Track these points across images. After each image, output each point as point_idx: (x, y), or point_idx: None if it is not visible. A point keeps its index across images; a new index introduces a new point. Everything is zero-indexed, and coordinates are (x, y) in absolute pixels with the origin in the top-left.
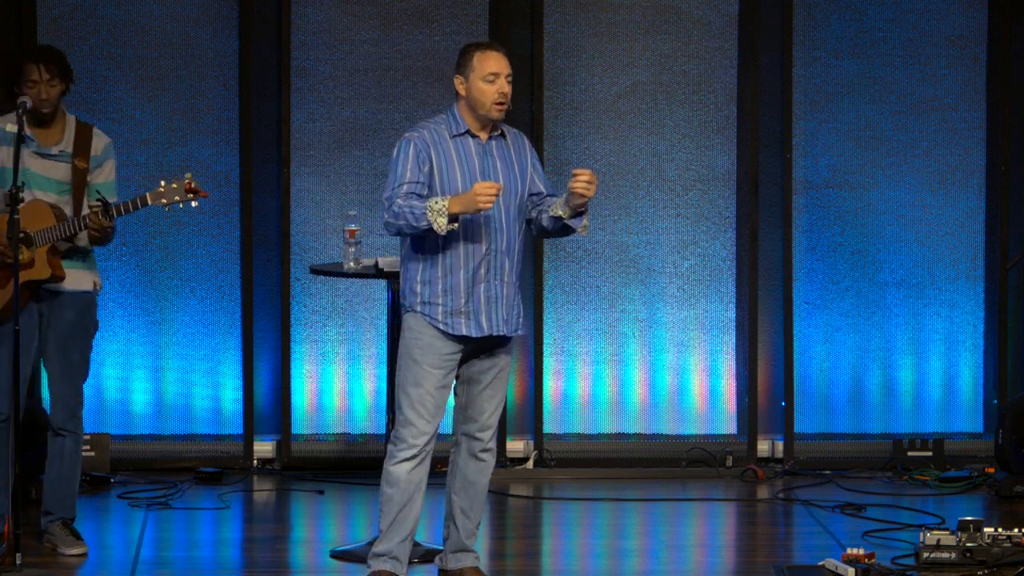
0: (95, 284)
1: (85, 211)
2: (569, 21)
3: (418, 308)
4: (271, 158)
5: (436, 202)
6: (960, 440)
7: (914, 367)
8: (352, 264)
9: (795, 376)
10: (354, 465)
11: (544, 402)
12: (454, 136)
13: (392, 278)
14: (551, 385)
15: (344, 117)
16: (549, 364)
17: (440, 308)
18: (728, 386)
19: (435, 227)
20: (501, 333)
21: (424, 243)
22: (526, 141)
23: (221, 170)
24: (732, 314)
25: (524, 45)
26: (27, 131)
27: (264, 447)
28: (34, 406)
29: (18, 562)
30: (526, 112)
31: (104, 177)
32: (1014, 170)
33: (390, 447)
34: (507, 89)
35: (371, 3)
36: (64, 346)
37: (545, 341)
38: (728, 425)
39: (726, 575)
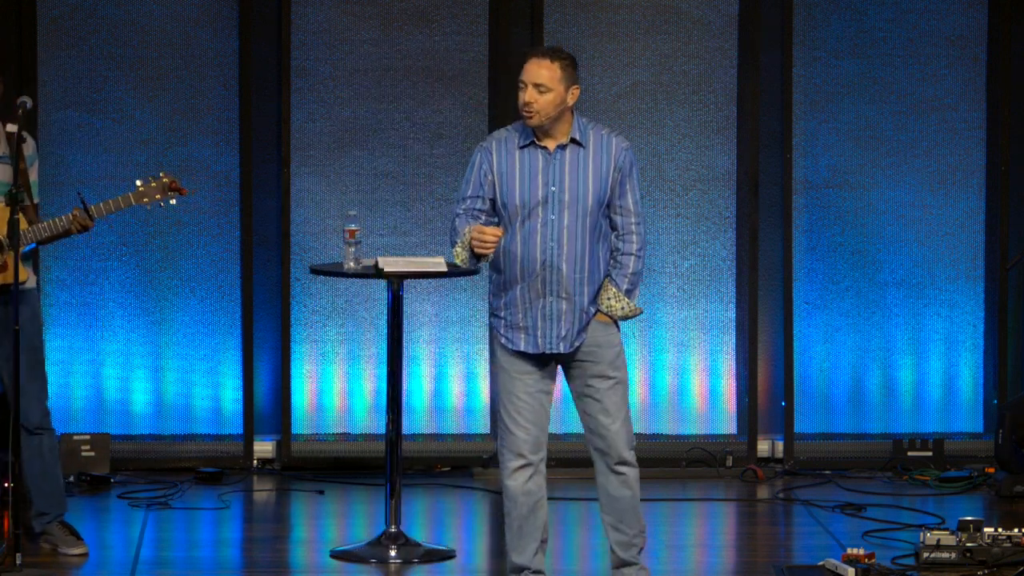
0: (37, 282)
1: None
2: (569, 21)
3: (491, 319)
4: (271, 158)
5: (466, 232)
6: (960, 440)
7: (914, 367)
8: (352, 264)
9: (795, 376)
10: (354, 465)
11: None
12: (521, 147)
13: (392, 278)
14: None
15: (344, 117)
16: None
17: (503, 321)
18: (728, 386)
19: (457, 260)
20: (557, 351)
21: (497, 255)
22: (615, 145)
23: (221, 170)
24: (732, 314)
25: (524, 45)
26: None
27: (264, 447)
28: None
29: (18, 562)
30: None
31: (32, 177)
32: (1014, 170)
33: (500, 460)
34: (528, 98)
35: (371, 3)
36: (30, 345)
37: None
38: (728, 425)
39: (726, 575)
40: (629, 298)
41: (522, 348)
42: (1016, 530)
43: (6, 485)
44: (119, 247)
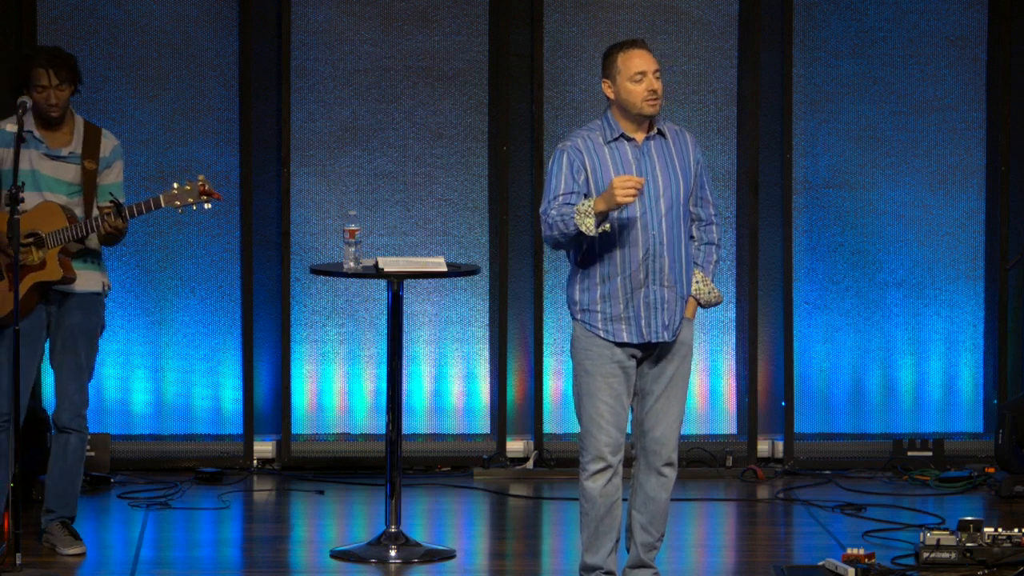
0: (104, 285)
1: (95, 212)
2: (569, 21)
3: (579, 316)
4: (271, 158)
5: (582, 204)
6: (960, 440)
7: (914, 367)
8: (352, 264)
9: (795, 376)
10: (354, 465)
11: (544, 402)
12: (609, 142)
13: (392, 278)
14: (551, 385)
15: (344, 117)
16: (549, 364)
17: (599, 315)
18: (728, 386)
19: (583, 229)
20: (661, 339)
21: (583, 250)
22: (689, 138)
23: (221, 170)
24: (732, 314)
25: (524, 45)
26: (36, 133)
27: (264, 447)
28: (35, 406)
29: (18, 562)
30: (526, 112)
31: (113, 178)
32: (1014, 170)
33: (580, 461)
34: (656, 85)
35: (371, 3)
36: (74, 346)
37: (545, 341)
38: (728, 425)
39: (726, 575)
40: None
41: (625, 339)
42: (1016, 530)
43: (10, 485)
44: (119, 247)
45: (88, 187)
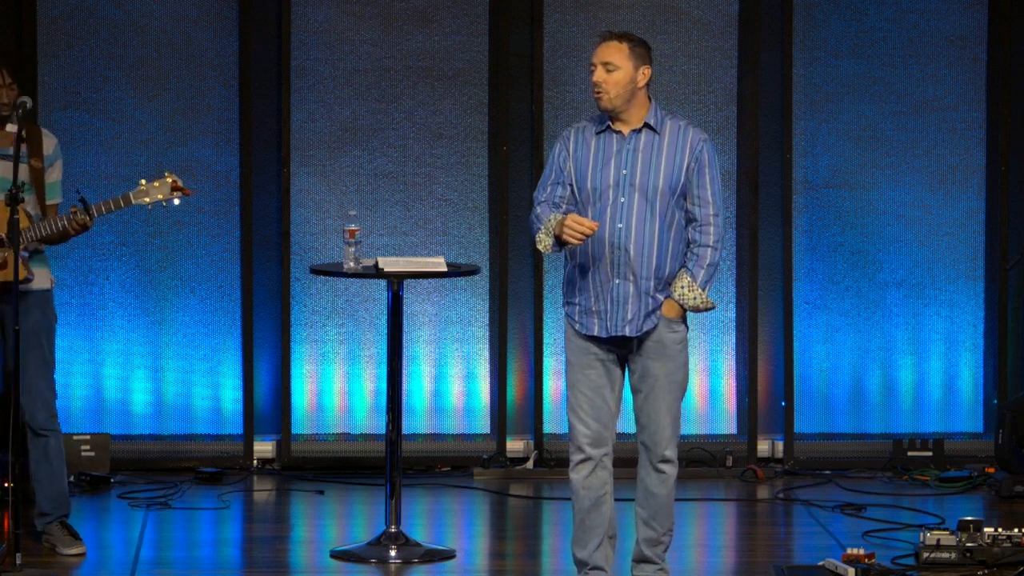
0: (51, 281)
1: (36, 211)
2: (569, 21)
3: (565, 308)
4: (271, 158)
5: (549, 221)
6: (960, 440)
7: (914, 367)
8: (352, 264)
9: (795, 376)
10: (354, 465)
11: (544, 402)
12: (598, 132)
13: (392, 278)
14: (551, 385)
15: (344, 117)
16: (549, 364)
17: (577, 307)
18: (728, 386)
19: (540, 247)
20: (622, 333)
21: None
22: (692, 136)
23: (221, 170)
24: (732, 314)
25: (524, 45)
26: None
27: (264, 447)
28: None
29: (18, 562)
30: (526, 112)
31: (55, 176)
32: (1014, 170)
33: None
34: (599, 78)
35: (371, 3)
36: (37, 344)
37: (545, 341)
38: (728, 425)
39: (726, 575)
40: (703, 290)
41: (595, 333)
42: (1016, 530)
43: (6, 485)
44: (119, 247)
45: (37, 186)
